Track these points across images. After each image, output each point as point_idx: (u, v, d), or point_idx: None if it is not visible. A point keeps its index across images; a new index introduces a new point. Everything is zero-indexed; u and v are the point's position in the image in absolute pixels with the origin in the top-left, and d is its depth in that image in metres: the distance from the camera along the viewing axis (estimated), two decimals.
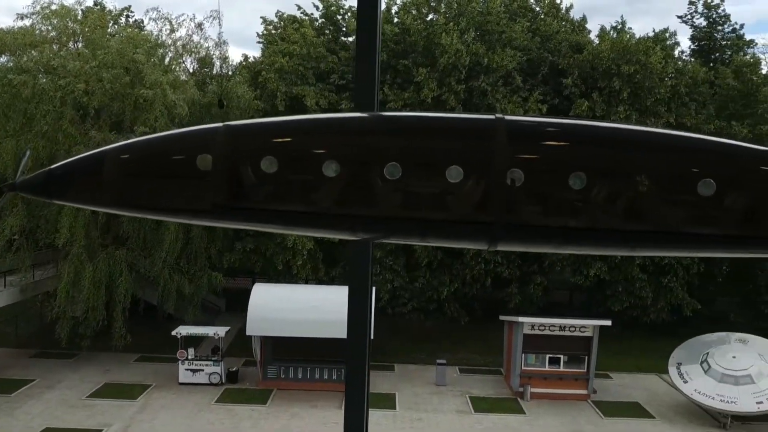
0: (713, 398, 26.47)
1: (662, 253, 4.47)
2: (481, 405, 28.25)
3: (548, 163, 3.85)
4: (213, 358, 29.49)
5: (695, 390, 27.04)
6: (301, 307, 28.35)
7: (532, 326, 29.39)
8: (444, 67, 33.92)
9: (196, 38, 35.61)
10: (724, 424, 26.62)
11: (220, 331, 30.19)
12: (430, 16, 37.10)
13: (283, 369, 29.01)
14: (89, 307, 29.56)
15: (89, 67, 29.42)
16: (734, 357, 27.39)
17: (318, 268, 35.32)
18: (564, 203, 3.83)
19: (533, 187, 3.78)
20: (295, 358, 28.86)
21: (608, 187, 3.80)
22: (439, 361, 31.17)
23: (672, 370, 28.47)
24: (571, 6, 41.80)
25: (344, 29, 39.89)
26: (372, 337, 28.55)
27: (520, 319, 29.69)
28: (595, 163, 3.86)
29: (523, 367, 29.44)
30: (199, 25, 35.15)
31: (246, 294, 30.44)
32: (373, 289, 30.73)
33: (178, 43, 35.25)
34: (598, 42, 37.38)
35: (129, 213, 4.47)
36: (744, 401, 25.95)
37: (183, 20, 37.14)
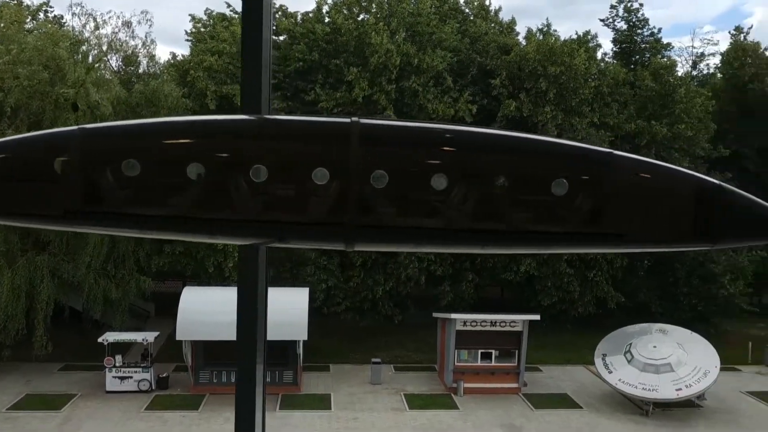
0: (636, 387, 27.59)
1: (514, 250, 4.70)
2: (416, 402, 28.55)
3: (401, 166, 3.99)
4: (142, 365, 28.68)
5: (619, 380, 28.12)
6: (233, 310, 27.62)
7: (464, 323, 29.90)
8: (375, 66, 34.08)
9: (122, 36, 34.53)
10: (647, 412, 27.79)
11: (149, 336, 29.39)
12: (362, 16, 37.18)
13: (216, 373, 28.49)
14: (8, 316, 28.22)
15: (2, 63, 28.08)
16: (655, 347, 28.63)
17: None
18: (418, 205, 3.99)
19: (387, 189, 3.90)
20: (228, 362, 28.39)
21: (464, 188, 3.97)
22: (374, 359, 31.33)
23: (598, 361, 29.52)
24: (500, 8, 42.58)
25: (275, 28, 39.50)
26: (306, 338, 28.65)
27: (453, 316, 30.16)
28: (450, 165, 4.02)
29: (456, 363, 29.92)
30: (126, 23, 34.09)
31: (176, 298, 29.74)
32: (307, 289, 30.85)
33: (104, 40, 34.10)
34: (525, 44, 38.33)
35: None
36: (664, 389, 27.17)
37: (110, 17, 36.00)
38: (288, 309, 28.64)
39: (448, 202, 3.95)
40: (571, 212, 4.00)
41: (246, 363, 5.86)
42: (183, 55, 39.12)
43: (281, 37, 38.85)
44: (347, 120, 4.01)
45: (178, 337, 27.89)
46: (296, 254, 35.28)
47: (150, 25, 53.76)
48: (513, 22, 42.49)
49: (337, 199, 3.92)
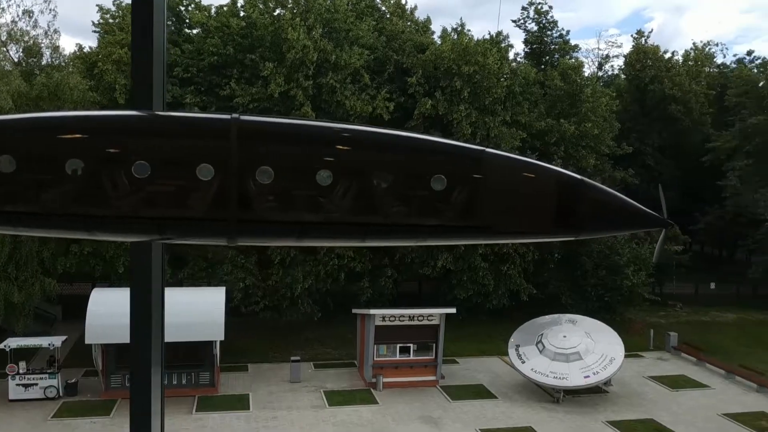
0: (547, 376, 28.71)
1: (393, 242, 5.00)
2: (336, 398, 28.62)
3: (285, 163, 4.11)
4: (48, 371, 27.36)
5: (532, 369, 29.18)
6: None
7: (383, 318, 30.20)
8: (292, 62, 33.79)
9: (22, 25, 32.70)
10: (557, 399, 28.97)
11: (55, 341, 28.07)
12: (278, 11, 36.76)
13: (128, 377, 27.51)
14: None
15: None
16: (565, 336, 29.86)
17: (164, 270, 33.83)
18: (302, 200, 4.13)
19: (272, 184, 4.02)
20: None
21: (347, 184, 4.14)
22: (293, 357, 31.18)
23: (511, 351, 30.52)
24: (416, 7, 43.09)
25: (188, 21, 38.50)
26: (223, 338, 28.08)
27: (372, 311, 30.41)
28: (330, 162, 4.19)
29: (375, 359, 30.19)
30: (27, 12, 32.29)
31: (85, 300, 28.50)
32: (224, 288, 30.26)
33: (2, 29, 32.18)
34: (440, 43, 38.98)
35: None
36: (574, 376, 28.41)
37: (9, 5, 33.97)
38: (204, 309, 28.08)
39: (333, 198, 4.09)
40: (448, 206, 4.27)
41: (140, 367, 5.72)
42: (90, 47, 37.54)
43: (194, 31, 37.92)
44: (227, 117, 4.08)
45: (88, 341, 26.76)
46: (212, 253, 34.58)
47: (54, 15, 51.07)
48: (428, 21, 43.18)
49: (220, 195, 3.97)
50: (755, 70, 54.86)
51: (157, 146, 4.06)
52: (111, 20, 37.24)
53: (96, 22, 37.79)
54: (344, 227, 4.31)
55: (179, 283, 33.51)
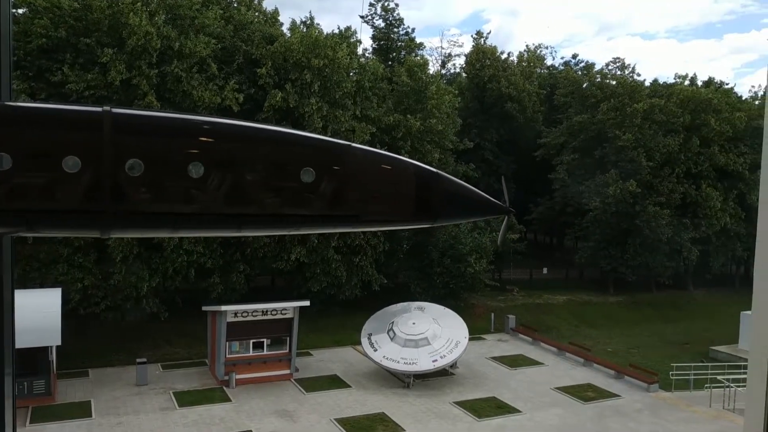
0: (399, 362, 29.76)
1: (267, 232, 5.38)
2: (186, 399, 27.71)
3: (156, 155, 4.22)
4: None
5: (384, 356, 30.09)
6: None
7: (236, 314, 29.68)
8: (133, 49, 31.97)
9: None
10: (408, 384, 30.11)
11: None
12: None
13: None
14: None
15: None
16: (414, 323, 31.08)
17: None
18: (173, 192, 4.26)
19: (142, 176, 4.11)
20: None
21: (219, 176, 4.32)
22: (138, 360, 29.73)
23: (364, 340, 31.26)
24: None
25: None
26: (59, 343, 26.16)
27: (223, 308, 29.76)
28: (205, 155, 4.34)
29: (227, 356, 29.60)
30: None
31: None
32: (59, 290, 28.14)
33: None
34: (289, 35, 38.75)
35: None
36: (423, 361, 29.68)
37: None
38: (37, 312, 25.92)
39: (205, 189, 4.19)
40: (317, 197, 4.57)
41: None
42: None
43: (20, 10, 34.62)
44: (99, 109, 4.05)
45: None
46: (45, 252, 31.93)
47: None
48: (276, 12, 42.69)
49: (92, 187, 3.91)
50: (579, 72, 60.12)
51: (20, 138, 3.94)
52: None
53: None
54: (219, 218, 4.41)
55: None
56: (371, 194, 4.79)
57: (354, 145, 4.84)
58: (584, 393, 30.01)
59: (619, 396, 29.85)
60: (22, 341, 24.87)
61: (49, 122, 4.08)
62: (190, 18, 34.84)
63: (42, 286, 31.52)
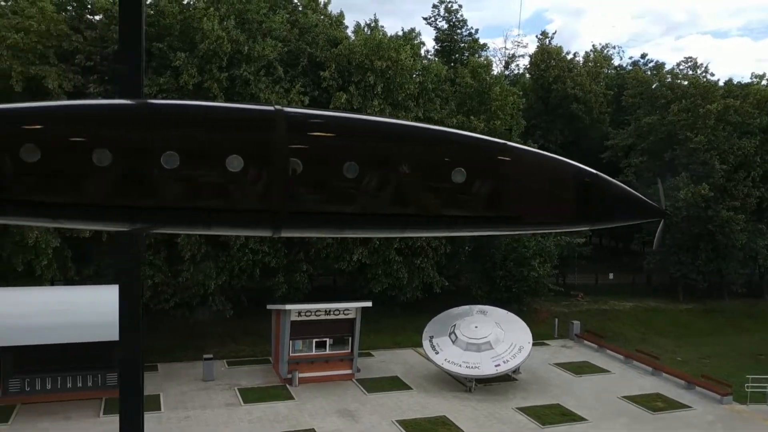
0: (460, 366, 29.49)
1: (429, 234, 5.14)
2: (251, 396, 28.22)
3: (325, 154, 4.10)
4: None
5: (445, 359, 29.89)
6: (47, 311, 25.63)
7: (299, 313, 30.04)
8: (204, 53, 32.89)
9: None
10: (470, 388, 29.81)
11: None
12: (186, 0, 35.63)
13: (28, 381, 26.02)
14: None
15: None
16: (476, 327, 30.76)
17: (67, 268, 32.22)
18: (339, 191, 4.13)
19: (311, 176, 4.01)
20: (42, 368, 26.04)
21: (379, 175, 4.18)
22: (205, 356, 30.48)
23: (425, 343, 31.13)
24: (329, 1, 42.86)
25: (90, 6, 36.61)
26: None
27: (287, 306, 30.15)
28: (368, 154, 4.21)
29: (291, 354, 29.99)
30: None
31: None
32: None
33: None
34: (353, 38, 39.02)
35: None
36: (485, 365, 29.33)
37: None
38: (109, 308, 26.73)
39: (366, 189, 4.18)
40: (469, 197, 4.36)
41: (130, 368, 5.54)
42: None
43: (97, 17, 36.10)
44: (270, 108, 4.01)
45: None
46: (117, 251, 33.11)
47: None
48: (341, 15, 43.08)
49: (265, 186, 3.92)
50: (648, 73, 58.31)
51: (190, 137, 4.01)
52: (3, 2, 34.86)
53: None
54: (380, 218, 4.40)
55: (84, 281, 31.94)
56: (532, 195, 4.59)
57: (511, 144, 4.65)
58: (653, 403, 29.02)
59: (690, 407, 28.74)
60: (92, 335, 25.74)
61: (218, 121, 4.11)
62: (257, 22, 35.59)
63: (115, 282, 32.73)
